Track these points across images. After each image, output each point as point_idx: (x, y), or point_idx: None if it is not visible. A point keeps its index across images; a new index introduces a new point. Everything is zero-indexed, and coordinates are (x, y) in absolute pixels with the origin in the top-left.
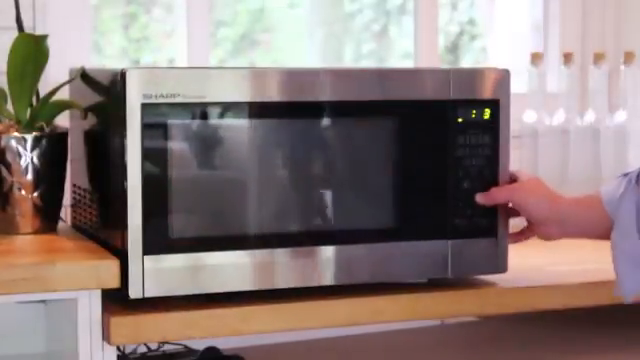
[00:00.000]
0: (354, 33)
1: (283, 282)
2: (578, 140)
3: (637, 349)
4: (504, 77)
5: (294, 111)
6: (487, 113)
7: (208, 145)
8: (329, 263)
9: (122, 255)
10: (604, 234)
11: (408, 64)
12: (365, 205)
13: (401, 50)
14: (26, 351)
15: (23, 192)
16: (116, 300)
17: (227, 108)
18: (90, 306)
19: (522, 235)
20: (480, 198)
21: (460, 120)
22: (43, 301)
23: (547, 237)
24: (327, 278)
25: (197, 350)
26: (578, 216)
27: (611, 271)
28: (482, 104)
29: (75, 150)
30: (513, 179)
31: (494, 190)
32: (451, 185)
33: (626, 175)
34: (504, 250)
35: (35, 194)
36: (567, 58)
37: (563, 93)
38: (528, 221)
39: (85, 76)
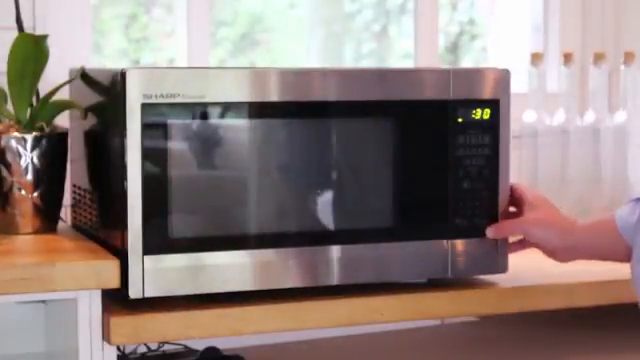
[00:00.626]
0: (354, 33)
1: (283, 282)
2: (578, 140)
3: (637, 349)
4: (504, 77)
5: (294, 111)
6: (487, 113)
7: (208, 145)
8: (329, 263)
9: (122, 255)
10: (617, 257)
11: (408, 64)
12: (365, 205)
13: (401, 50)
14: (26, 351)
15: (23, 192)
16: (116, 300)
17: (227, 108)
18: (90, 306)
19: (521, 245)
20: (490, 232)
21: (460, 120)
22: (43, 301)
23: (557, 261)
24: (327, 278)
25: (197, 350)
26: (588, 242)
27: (611, 271)
28: (482, 104)
29: (75, 150)
30: (517, 196)
31: (504, 224)
32: (451, 185)
33: (639, 200)
34: (504, 250)
35: (35, 194)
36: (567, 58)
37: (563, 93)
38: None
39: (85, 76)
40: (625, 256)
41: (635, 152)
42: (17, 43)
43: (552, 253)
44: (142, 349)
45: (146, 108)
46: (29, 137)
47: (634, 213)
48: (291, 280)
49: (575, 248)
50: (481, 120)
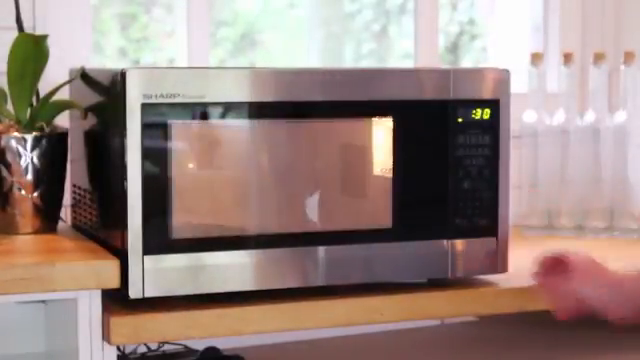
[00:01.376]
0: (354, 33)
1: (283, 282)
2: (578, 140)
3: (636, 349)
4: (504, 77)
5: (294, 111)
6: (487, 113)
7: (208, 145)
8: (329, 263)
9: (122, 255)
10: None
11: (408, 64)
12: (365, 205)
13: (401, 50)
14: (26, 351)
15: (23, 192)
16: (116, 300)
17: (227, 108)
18: (90, 306)
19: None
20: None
21: (460, 120)
22: (43, 301)
23: (615, 322)
24: (327, 278)
25: (197, 350)
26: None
27: None
28: (482, 104)
29: (75, 150)
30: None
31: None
32: (451, 185)
33: None
34: (504, 250)
35: (35, 194)
36: (567, 58)
37: (563, 93)
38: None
39: (85, 76)
40: None
41: (635, 152)
42: (17, 43)
43: (608, 311)
44: (142, 349)
45: (146, 108)
46: (29, 137)
47: None
48: (291, 280)
49: (631, 299)
50: (481, 120)
